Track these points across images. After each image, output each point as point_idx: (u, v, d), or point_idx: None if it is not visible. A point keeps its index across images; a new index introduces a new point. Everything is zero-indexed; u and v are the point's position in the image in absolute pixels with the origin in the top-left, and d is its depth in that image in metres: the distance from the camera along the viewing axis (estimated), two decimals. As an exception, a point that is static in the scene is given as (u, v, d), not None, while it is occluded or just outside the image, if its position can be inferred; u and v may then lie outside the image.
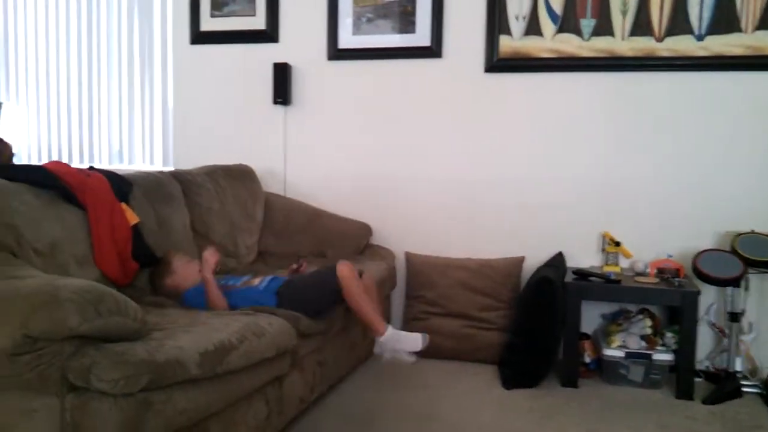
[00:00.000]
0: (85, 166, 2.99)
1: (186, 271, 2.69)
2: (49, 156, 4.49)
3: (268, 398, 2.34)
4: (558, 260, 3.40)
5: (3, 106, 4.42)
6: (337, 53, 3.82)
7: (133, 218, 2.70)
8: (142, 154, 4.33)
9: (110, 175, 2.73)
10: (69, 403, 1.73)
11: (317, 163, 3.89)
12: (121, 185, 2.74)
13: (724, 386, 3.06)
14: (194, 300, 2.59)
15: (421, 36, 3.68)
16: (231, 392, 2.11)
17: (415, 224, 3.75)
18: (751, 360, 3.22)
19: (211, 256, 2.62)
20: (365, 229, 3.67)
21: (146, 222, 2.80)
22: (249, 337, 2.17)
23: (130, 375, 1.71)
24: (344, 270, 2.65)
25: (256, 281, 2.73)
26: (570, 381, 3.13)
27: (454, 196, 3.69)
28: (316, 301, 2.65)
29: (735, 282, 3.05)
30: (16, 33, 4.54)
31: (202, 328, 2.16)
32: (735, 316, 3.12)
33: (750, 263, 3.05)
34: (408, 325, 3.54)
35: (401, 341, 2.66)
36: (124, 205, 2.68)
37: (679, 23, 3.33)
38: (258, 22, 3.91)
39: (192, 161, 3.71)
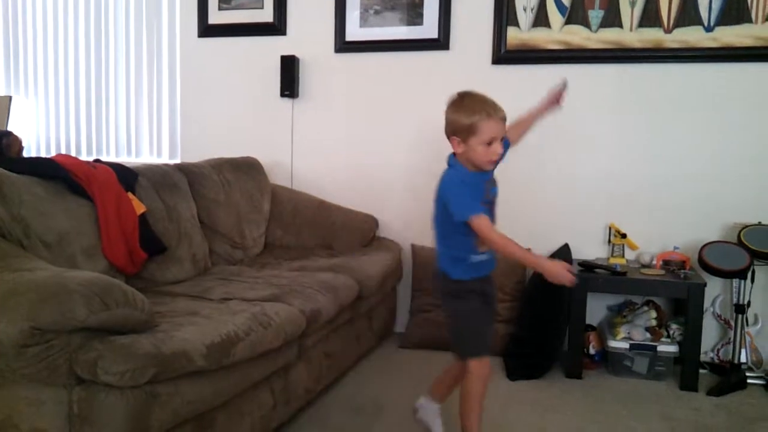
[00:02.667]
0: (92, 159, 3.02)
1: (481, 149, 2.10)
2: (58, 149, 4.53)
3: (273, 389, 2.37)
4: (564, 252, 3.40)
5: (12, 100, 4.46)
6: (344, 46, 3.82)
7: (140, 207, 2.73)
8: (149, 147, 4.35)
9: (116, 167, 2.76)
10: (76, 395, 1.76)
11: (324, 156, 3.90)
12: (126, 176, 2.78)
13: (729, 378, 3.07)
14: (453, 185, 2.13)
15: (429, 28, 3.67)
16: (237, 383, 2.14)
17: (422, 216, 3.73)
18: (756, 352, 3.21)
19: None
20: (371, 221, 3.69)
21: (154, 211, 2.83)
22: (255, 329, 2.19)
23: (136, 367, 1.73)
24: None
25: None
26: (574, 373, 3.14)
27: (460, 188, 3.69)
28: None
29: (741, 274, 3.05)
30: (24, 27, 4.57)
31: (209, 319, 2.19)
32: (741, 308, 3.12)
33: (756, 255, 3.04)
34: (414, 317, 3.57)
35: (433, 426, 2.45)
36: (130, 195, 2.71)
37: (688, 14, 3.30)
38: (266, 14, 3.92)
39: (199, 154, 3.73)
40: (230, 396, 2.12)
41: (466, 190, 2.12)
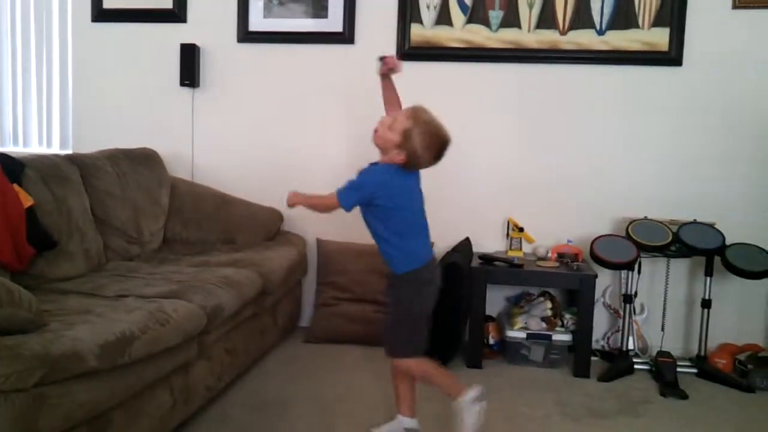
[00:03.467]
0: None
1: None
2: (-65, 137, 4.20)
3: (173, 387, 2.30)
4: (465, 245, 3.48)
5: None
6: (247, 36, 3.75)
7: (27, 200, 2.57)
8: (38, 136, 4.10)
9: (0, 156, 2.59)
10: (-45, 400, 1.65)
11: (226, 148, 3.82)
12: (12, 166, 2.60)
13: (617, 364, 3.25)
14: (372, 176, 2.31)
15: (334, 21, 3.66)
16: (134, 383, 2.07)
17: (326, 210, 3.74)
18: (642, 339, 3.42)
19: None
20: (276, 215, 3.64)
21: (42, 204, 2.67)
22: (152, 327, 2.12)
23: (22, 370, 1.64)
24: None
25: None
26: (475, 362, 3.23)
27: (365, 183, 3.71)
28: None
29: (628, 266, 3.22)
30: None
31: (103, 317, 2.10)
32: (628, 298, 3.30)
33: (643, 248, 3.22)
34: (318, 310, 3.56)
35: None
36: (16, 187, 2.55)
37: (581, 18, 3.45)
38: (165, 0, 3.78)
39: (93, 145, 3.55)
40: (127, 396, 2.04)
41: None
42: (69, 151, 3.83)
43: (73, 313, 2.12)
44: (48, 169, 2.82)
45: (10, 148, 4.07)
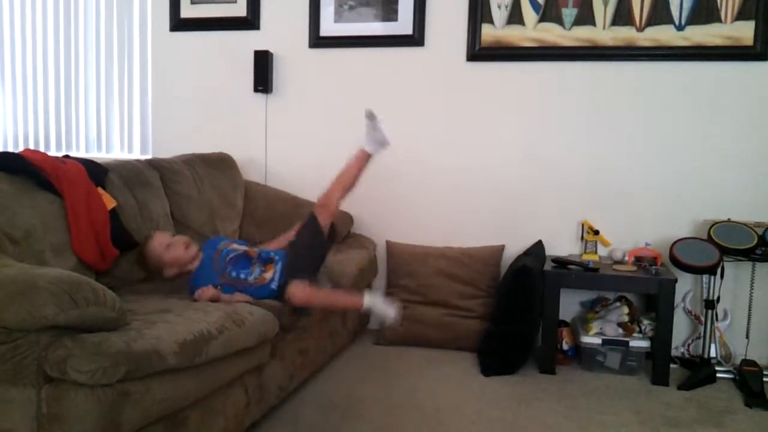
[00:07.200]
0: (61, 154, 2.96)
1: (172, 254, 2.63)
2: (25, 144, 4.44)
3: (247, 387, 2.35)
4: (537, 249, 3.42)
5: (-21, 92, 4.36)
6: (318, 41, 3.80)
7: (110, 202, 2.67)
8: (120, 142, 4.29)
9: (86, 162, 2.71)
10: (45, 394, 1.72)
11: (298, 152, 3.88)
12: (96, 170, 2.72)
13: (698, 372, 3.12)
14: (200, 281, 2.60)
15: (404, 24, 3.67)
16: (210, 382, 2.11)
17: (396, 213, 3.76)
18: (725, 346, 3.27)
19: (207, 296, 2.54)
20: (346, 218, 3.67)
21: (125, 207, 2.78)
22: (229, 327, 2.17)
23: (107, 366, 1.70)
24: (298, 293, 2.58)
25: (268, 276, 2.62)
26: (548, 368, 3.17)
27: (434, 185, 3.70)
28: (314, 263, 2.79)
29: (711, 270, 3.10)
30: (-9, 18, 4.47)
31: (182, 317, 2.16)
32: (710, 304, 3.17)
33: (725, 251, 3.09)
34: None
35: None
36: (100, 190, 2.66)
37: (659, 13, 3.35)
38: (239, 9, 3.88)
39: (171, 149, 3.68)
40: (203, 394, 2.09)
41: None
42: (149, 156, 3.97)
43: (153, 313, 2.18)
44: (131, 174, 2.94)
45: (94, 154, 4.26)
